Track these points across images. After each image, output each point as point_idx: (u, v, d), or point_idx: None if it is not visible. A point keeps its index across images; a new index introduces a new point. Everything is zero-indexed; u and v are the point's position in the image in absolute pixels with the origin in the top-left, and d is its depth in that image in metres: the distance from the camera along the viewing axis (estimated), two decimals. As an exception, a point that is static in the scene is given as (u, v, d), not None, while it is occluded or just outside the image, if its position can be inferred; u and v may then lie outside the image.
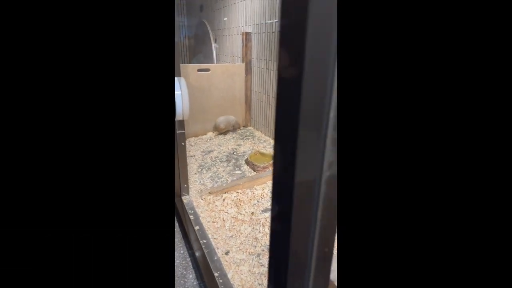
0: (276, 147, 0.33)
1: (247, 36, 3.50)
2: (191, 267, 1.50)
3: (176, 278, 1.37)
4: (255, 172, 2.64)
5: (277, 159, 0.34)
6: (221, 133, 3.55)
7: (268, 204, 2.25)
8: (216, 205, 1.99)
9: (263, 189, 2.46)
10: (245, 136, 3.64)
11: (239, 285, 1.34)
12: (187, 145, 2.72)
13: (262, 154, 2.99)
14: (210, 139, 3.38)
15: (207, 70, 3.24)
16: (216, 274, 1.37)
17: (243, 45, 3.47)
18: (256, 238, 1.70)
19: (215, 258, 1.49)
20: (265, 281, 1.31)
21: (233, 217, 1.85)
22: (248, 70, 3.66)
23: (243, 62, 3.62)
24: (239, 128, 3.69)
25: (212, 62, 4.03)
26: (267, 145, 3.40)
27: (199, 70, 3.26)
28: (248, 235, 1.72)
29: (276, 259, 0.38)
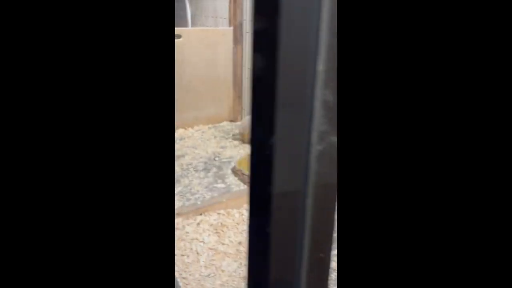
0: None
1: (236, -13, 2.85)
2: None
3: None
4: (245, 185, 2.15)
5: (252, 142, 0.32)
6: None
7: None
8: (187, 232, 1.73)
9: (259, 215, 1.62)
10: (232, 135, 2.90)
11: None
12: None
13: (257, 157, 2.12)
14: (181, 139, 2.78)
15: (178, 36, 2.68)
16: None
17: (230, 1, 2.88)
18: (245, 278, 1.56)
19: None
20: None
21: (211, 249, 1.62)
22: (238, 37, 2.96)
23: (230, 26, 2.96)
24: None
25: (186, 26, 3.46)
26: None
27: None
28: (233, 274, 1.50)
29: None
